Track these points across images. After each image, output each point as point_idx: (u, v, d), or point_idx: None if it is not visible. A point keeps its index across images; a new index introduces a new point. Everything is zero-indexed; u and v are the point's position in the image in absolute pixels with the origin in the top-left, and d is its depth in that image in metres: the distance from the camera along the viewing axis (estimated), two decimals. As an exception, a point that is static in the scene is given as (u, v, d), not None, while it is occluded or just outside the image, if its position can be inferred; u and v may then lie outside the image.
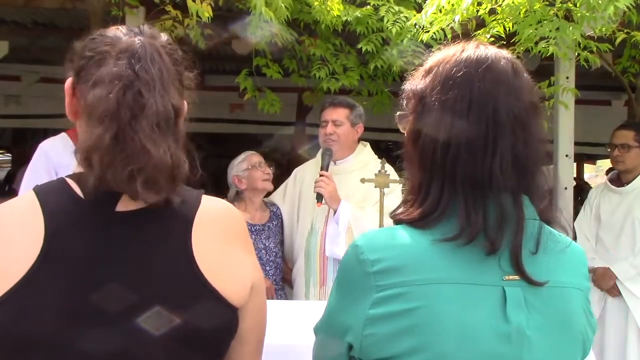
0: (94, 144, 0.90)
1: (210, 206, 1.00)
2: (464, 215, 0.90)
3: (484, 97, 0.94)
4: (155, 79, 0.93)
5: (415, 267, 0.89)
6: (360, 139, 3.09)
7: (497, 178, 0.91)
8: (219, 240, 0.97)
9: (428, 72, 1.00)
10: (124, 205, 0.95)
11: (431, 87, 0.97)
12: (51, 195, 0.96)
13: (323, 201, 2.81)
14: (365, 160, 3.01)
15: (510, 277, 0.91)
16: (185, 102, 1.00)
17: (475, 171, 0.91)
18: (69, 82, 1.00)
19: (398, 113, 1.06)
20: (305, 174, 3.09)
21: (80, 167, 0.94)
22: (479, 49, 1.00)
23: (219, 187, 3.21)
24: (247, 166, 3.01)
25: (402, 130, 1.06)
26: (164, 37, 1.01)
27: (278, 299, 2.95)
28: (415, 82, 1.02)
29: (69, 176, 0.98)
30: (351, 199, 2.87)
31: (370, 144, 3.15)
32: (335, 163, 2.96)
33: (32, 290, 0.88)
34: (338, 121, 2.91)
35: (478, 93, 0.94)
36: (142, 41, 0.96)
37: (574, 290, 0.97)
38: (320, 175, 2.82)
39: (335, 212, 2.80)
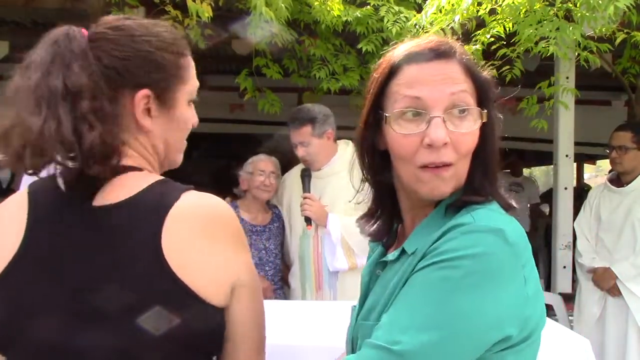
0: None
1: (191, 200, 0.95)
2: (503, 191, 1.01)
3: None
4: (47, 59, 0.94)
5: (525, 239, 0.92)
6: (350, 138, 3.06)
7: None
8: (196, 235, 0.93)
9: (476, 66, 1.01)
10: (101, 199, 0.96)
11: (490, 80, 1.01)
12: (40, 190, 1.00)
13: (312, 222, 2.80)
14: (349, 158, 2.97)
15: None
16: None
17: None
18: None
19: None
20: (293, 180, 3.06)
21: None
22: None
23: (219, 186, 3.20)
24: (251, 170, 3.02)
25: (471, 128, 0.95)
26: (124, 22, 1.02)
27: (276, 298, 2.95)
28: (479, 72, 0.99)
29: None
30: (340, 199, 2.84)
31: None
32: (321, 169, 2.93)
33: (8, 284, 0.93)
34: (304, 142, 2.85)
35: None
36: (67, 28, 0.98)
37: None
38: (304, 198, 2.80)
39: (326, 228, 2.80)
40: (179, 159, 1.11)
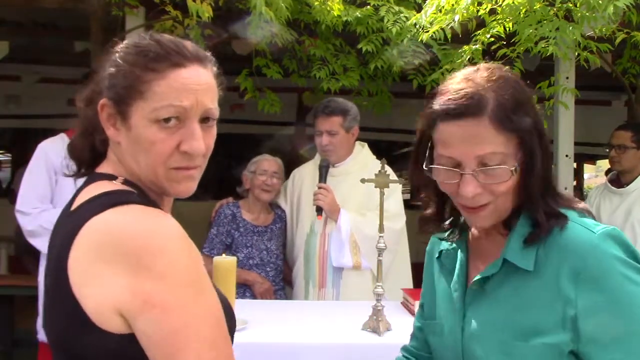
0: None
1: (101, 218, 0.91)
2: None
3: None
4: None
5: None
6: (359, 139, 3.08)
7: None
8: (91, 255, 0.89)
9: (525, 105, 1.05)
10: (74, 204, 0.99)
11: (535, 118, 1.06)
12: None
13: (323, 213, 2.81)
14: (364, 161, 2.99)
15: None
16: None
17: None
18: None
19: (502, 168, 1.02)
20: (304, 176, 3.08)
21: None
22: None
23: (219, 186, 3.21)
24: (254, 169, 3.02)
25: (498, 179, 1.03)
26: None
27: (277, 299, 2.96)
28: (517, 120, 1.02)
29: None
30: (351, 200, 2.87)
31: (370, 144, 3.14)
32: (334, 166, 2.95)
33: None
34: (332, 131, 2.88)
35: None
36: None
37: None
38: (319, 188, 2.81)
39: (336, 222, 2.81)
40: (166, 186, 0.99)
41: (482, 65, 1.10)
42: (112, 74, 0.99)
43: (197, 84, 0.97)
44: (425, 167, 1.08)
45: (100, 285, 0.88)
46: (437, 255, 1.24)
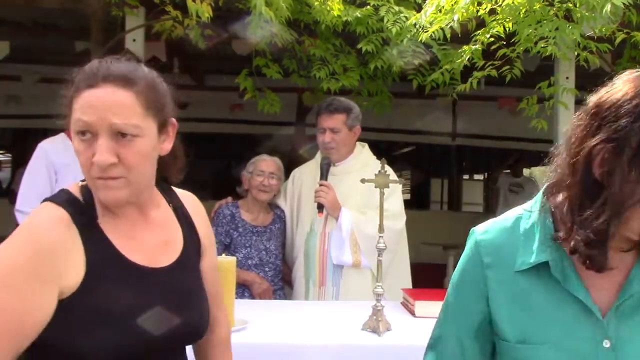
0: None
1: None
2: None
3: None
4: None
5: None
6: (359, 139, 3.08)
7: None
8: None
9: None
10: None
11: None
12: None
13: (324, 211, 2.82)
14: (364, 161, 2.99)
15: None
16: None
17: None
18: None
19: None
20: (305, 175, 3.08)
21: None
22: None
23: (219, 186, 3.21)
24: (252, 170, 3.02)
25: None
26: None
27: (277, 299, 2.96)
28: None
29: None
30: (350, 199, 2.87)
31: (370, 144, 3.14)
32: (334, 164, 2.96)
33: None
34: (335, 128, 2.89)
35: None
36: None
37: None
38: (320, 185, 2.82)
39: (337, 220, 2.81)
40: (95, 193, 1.10)
41: None
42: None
43: (103, 102, 1.05)
44: None
45: None
46: (521, 268, 1.07)
